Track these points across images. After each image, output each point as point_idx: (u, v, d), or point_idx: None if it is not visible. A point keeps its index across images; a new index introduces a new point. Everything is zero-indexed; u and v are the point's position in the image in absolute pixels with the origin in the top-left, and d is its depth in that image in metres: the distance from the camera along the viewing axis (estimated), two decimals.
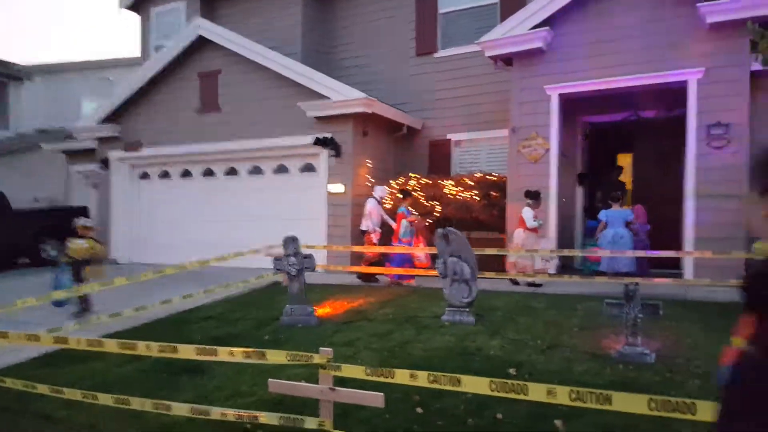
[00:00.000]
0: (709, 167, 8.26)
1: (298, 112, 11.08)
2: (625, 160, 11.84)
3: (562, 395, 2.65)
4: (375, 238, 9.40)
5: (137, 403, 3.76)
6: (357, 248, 9.18)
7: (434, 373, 2.95)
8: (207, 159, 12.69)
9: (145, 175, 13.78)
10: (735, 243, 7.79)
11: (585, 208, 10.54)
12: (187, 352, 3.63)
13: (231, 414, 3.55)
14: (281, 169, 11.93)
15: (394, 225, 9.27)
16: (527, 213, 8.49)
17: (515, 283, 8.48)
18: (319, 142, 10.79)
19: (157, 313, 7.15)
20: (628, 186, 11.21)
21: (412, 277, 8.91)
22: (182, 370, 4.99)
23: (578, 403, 2.63)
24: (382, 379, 3.06)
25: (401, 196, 9.45)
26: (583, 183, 10.47)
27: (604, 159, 11.42)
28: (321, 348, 3.27)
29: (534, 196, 8.59)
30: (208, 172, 12.91)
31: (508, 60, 9.82)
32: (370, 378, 3.10)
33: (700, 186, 8.29)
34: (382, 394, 3.10)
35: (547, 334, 5.48)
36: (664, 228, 9.28)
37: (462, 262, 5.95)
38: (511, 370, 4.45)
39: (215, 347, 3.60)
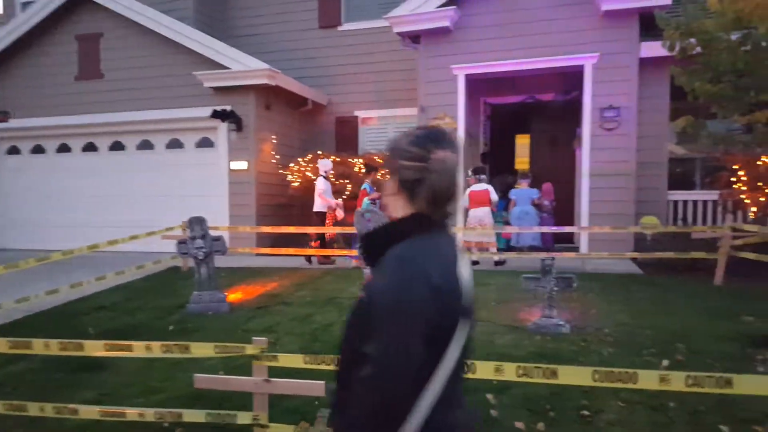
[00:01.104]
0: (601, 148, 8.87)
1: (193, 83, 10.40)
2: (523, 141, 12.41)
3: (510, 372, 2.69)
4: (339, 216, 8.88)
5: (35, 409, 3.34)
6: (266, 229, 8.87)
7: None
8: (88, 132, 11.57)
9: (14, 150, 12.30)
10: (625, 219, 8.51)
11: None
12: (94, 348, 3.27)
13: (150, 414, 3.26)
14: (175, 144, 11.16)
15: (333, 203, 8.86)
16: (492, 189, 8.50)
17: (477, 263, 8.30)
18: (217, 114, 10.20)
19: (42, 304, 6.44)
20: (526, 167, 11.79)
21: None
22: (80, 367, 4.53)
23: (524, 378, 2.67)
24: (323, 367, 2.94)
25: (364, 171, 8.97)
26: (485, 162, 10.83)
27: (504, 140, 11.90)
28: (254, 338, 3.08)
29: (486, 172, 8.69)
30: (90, 147, 11.78)
31: (415, 37, 9.84)
32: (302, 366, 2.96)
33: (593, 165, 8.89)
34: (323, 382, 2.98)
35: None
36: (559, 205, 9.89)
37: None
38: None
39: (129, 342, 3.28)
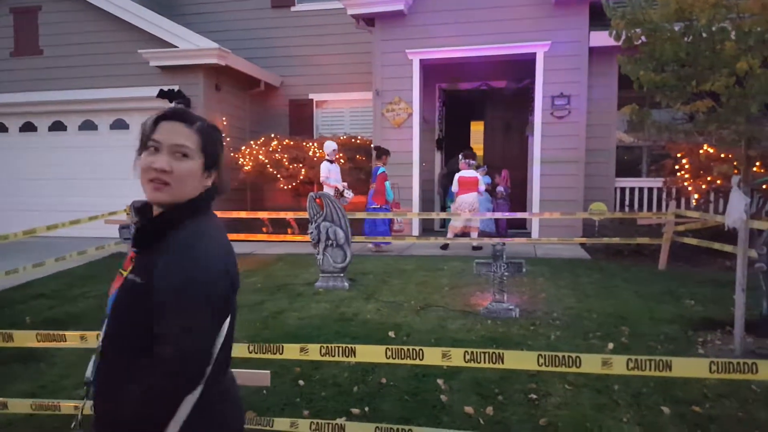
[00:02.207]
0: (552, 135, 9.02)
1: (139, 61, 9.97)
2: (477, 127, 12.52)
3: (457, 357, 2.67)
4: (348, 197, 8.42)
5: None
6: (216, 213, 8.60)
7: (326, 345, 2.81)
8: (26, 111, 10.97)
9: None
10: (574, 205, 8.71)
11: (442, 174, 10.94)
12: (25, 338, 3.07)
13: (86, 407, 3.09)
14: (120, 125, 10.72)
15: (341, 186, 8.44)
16: (480, 176, 8.58)
17: (446, 248, 8.34)
18: (164, 94, 9.75)
19: None
20: (479, 153, 11.88)
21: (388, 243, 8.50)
22: (12, 359, 4.28)
23: (472, 364, 2.66)
24: (268, 356, 2.85)
25: (375, 154, 8.63)
26: (441, 148, 10.86)
27: (459, 126, 11.97)
28: None
29: (476, 158, 8.83)
30: (29, 127, 11.16)
31: (370, 20, 9.72)
32: (247, 356, 2.87)
33: (544, 152, 9.04)
34: (268, 372, 2.89)
35: (419, 295, 5.64)
36: (513, 191, 10.04)
37: (335, 227, 5.86)
38: (391, 333, 4.49)
39: (63, 332, 3.09)
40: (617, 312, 5.01)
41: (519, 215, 8.70)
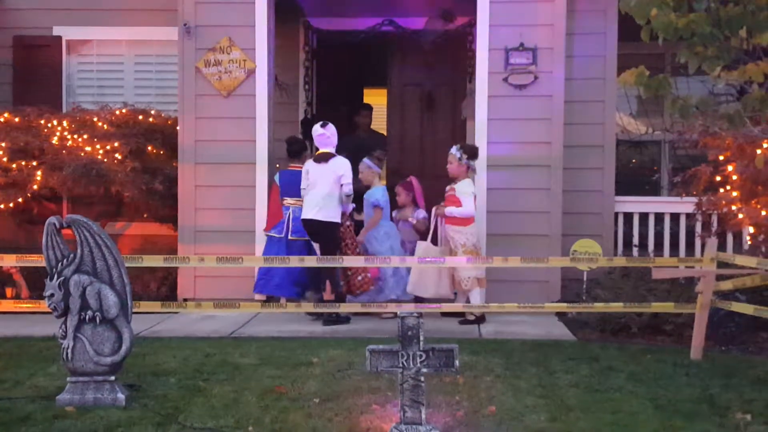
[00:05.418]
0: (506, 118, 9.26)
1: None
2: (375, 98, 12.52)
3: None
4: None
5: None
6: None
7: None
8: None
9: None
10: (545, 244, 8.96)
11: None
12: None
13: None
14: None
15: None
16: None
17: (467, 322, 8.55)
18: None
19: None
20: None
21: None
22: None
23: None
24: None
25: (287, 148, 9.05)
26: (309, 136, 10.70)
27: (344, 96, 11.91)
28: None
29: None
30: None
31: None
32: None
33: (493, 149, 9.22)
34: None
35: (265, 415, 5.48)
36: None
37: (101, 284, 5.62)
38: None
39: None
40: None
41: (451, 262, 8.61)
